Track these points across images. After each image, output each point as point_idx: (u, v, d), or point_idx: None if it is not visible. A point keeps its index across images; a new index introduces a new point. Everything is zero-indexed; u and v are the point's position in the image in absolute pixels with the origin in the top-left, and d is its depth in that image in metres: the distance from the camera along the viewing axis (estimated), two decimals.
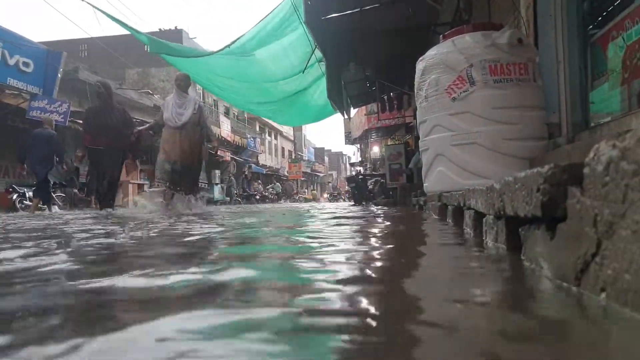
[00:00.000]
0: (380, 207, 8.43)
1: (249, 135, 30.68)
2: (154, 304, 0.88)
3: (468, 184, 2.76)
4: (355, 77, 9.85)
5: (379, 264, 1.35)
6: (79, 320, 0.78)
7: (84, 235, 2.59)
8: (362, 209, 7.65)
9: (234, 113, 29.56)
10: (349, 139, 29.31)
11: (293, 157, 44.55)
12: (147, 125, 7.86)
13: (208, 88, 12.22)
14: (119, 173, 7.33)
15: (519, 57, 3.25)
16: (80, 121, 9.56)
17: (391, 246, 1.88)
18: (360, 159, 31.69)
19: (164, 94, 17.67)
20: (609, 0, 3.19)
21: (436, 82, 3.45)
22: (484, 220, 1.65)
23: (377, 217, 4.28)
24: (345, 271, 1.21)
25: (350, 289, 0.94)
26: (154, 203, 6.66)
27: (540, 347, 0.56)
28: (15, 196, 11.54)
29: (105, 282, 1.08)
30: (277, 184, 34.09)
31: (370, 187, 13.45)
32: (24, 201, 11.71)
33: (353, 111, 18.29)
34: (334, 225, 3.17)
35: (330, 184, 54.12)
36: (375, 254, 1.56)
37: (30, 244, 2.10)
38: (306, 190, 44.70)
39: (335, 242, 1.93)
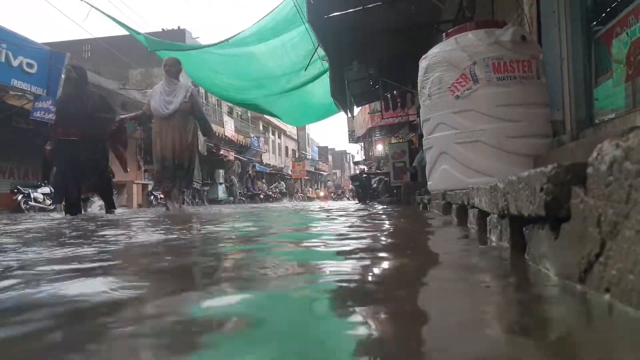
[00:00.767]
0: (384, 205, 8.42)
1: (252, 135, 30.72)
2: None
3: (472, 182, 2.75)
4: (359, 76, 9.83)
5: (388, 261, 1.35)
6: None
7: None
8: (366, 207, 7.64)
9: (237, 112, 29.58)
10: (353, 138, 29.32)
11: (297, 156, 44.58)
12: (132, 114, 7.08)
13: (210, 89, 12.16)
14: (106, 168, 6.44)
15: (522, 55, 3.24)
16: None
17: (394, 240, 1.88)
18: (363, 157, 31.65)
19: None
20: None
21: (439, 80, 3.44)
22: (487, 219, 1.65)
23: (380, 215, 4.28)
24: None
25: None
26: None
27: (542, 344, 0.56)
28: (20, 197, 11.62)
29: None
30: (282, 182, 34.08)
31: (374, 185, 13.43)
32: (29, 202, 11.78)
33: (356, 110, 18.31)
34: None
35: (330, 182, 54.03)
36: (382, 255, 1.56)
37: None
38: (310, 189, 44.69)
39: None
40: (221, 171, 24.98)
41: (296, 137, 45.63)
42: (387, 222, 3.37)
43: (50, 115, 11.42)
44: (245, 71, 10.24)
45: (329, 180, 56.03)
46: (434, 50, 3.57)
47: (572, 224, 0.82)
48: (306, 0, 6.47)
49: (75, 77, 6.15)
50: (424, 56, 3.69)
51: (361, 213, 4.89)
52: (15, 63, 11.81)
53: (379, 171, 16.45)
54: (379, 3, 6.56)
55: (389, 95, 12.06)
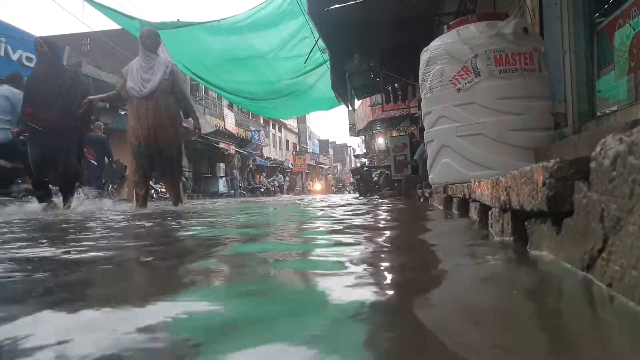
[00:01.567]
0: (385, 199, 8.43)
1: (253, 128, 30.69)
2: None
3: (474, 175, 2.75)
4: (360, 69, 9.81)
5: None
6: None
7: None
8: (367, 201, 7.64)
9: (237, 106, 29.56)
10: (354, 131, 29.25)
11: (297, 149, 44.56)
12: (103, 95, 5.93)
13: (206, 81, 11.87)
14: (75, 157, 5.59)
15: (524, 47, 3.22)
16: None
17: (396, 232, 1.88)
18: (364, 150, 31.60)
19: None
20: None
21: (441, 72, 3.43)
22: (489, 212, 1.64)
23: (381, 208, 4.27)
24: None
25: None
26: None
27: (544, 339, 0.56)
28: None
29: None
30: (279, 175, 33.97)
31: (375, 179, 13.42)
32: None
33: (357, 102, 18.28)
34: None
35: (330, 176, 54.00)
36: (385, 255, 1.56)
37: None
38: (311, 183, 44.71)
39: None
40: (222, 165, 24.99)
41: (297, 131, 45.58)
42: (388, 219, 3.36)
43: None
44: (245, 64, 10.21)
45: (329, 174, 56.06)
46: (436, 43, 3.55)
47: (575, 219, 0.82)
48: None
49: (47, 52, 5.40)
50: (425, 49, 3.67)
51: (362, 207, 4.88)
52: (14, 57, 11.81)
53: (379, 165, 16.44)
54: None
55: (390, 88, 12.04)
